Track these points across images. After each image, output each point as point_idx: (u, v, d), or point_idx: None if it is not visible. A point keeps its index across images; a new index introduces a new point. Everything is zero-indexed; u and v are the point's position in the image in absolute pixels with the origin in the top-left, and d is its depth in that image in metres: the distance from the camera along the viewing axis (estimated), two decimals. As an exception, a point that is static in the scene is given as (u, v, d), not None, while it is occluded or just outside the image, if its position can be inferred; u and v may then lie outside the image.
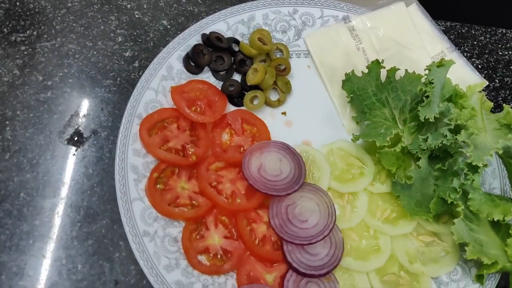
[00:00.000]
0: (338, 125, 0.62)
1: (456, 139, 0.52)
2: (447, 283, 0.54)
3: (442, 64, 0.57)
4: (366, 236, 0.55)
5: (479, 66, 0.70)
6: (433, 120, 0.53)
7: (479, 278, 0.53)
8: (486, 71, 0.70)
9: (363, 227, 0.56)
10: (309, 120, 0.61)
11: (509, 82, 0.70)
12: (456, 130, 0.52)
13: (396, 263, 0.55)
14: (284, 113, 0.62)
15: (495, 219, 0.50)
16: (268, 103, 0.61)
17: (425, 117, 0.53)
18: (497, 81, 0.70)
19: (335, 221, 0.53)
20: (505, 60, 0.72)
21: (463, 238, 0.51)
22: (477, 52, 0.72)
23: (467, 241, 0.51)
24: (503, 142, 0.50)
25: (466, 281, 0.54)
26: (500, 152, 0.50)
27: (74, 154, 0.56)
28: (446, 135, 0.52)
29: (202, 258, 0.51)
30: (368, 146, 0.60)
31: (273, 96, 0.62)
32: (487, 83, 0.67)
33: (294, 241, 0.52)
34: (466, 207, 0.52)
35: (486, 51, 0.72)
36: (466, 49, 0.71)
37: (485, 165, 0.51)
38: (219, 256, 0.52)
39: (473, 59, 0.71)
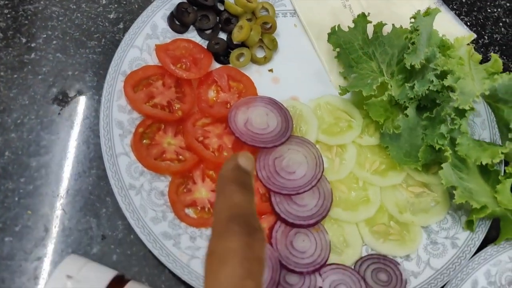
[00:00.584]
0: (325, 81, 0.62)
1: (443, 84, 0.51)
2: (437, 231, 0.54)
3: (428, 13, 0.56)
4: (355, 188, 0.55)
5: (468, 23, 0.70)
6: (419, 67, 0.52)
7: (469, 225, 0.53)
8: (475, 28, 0.70)
9: (352, 179, 0.56)
10: (296, 76, 0.61)
11: (498, 39, 0.70)
12: (443, 76, 0.52)
13: (385, 214, 0.54)
14: (271, 70, 0.61)
15: (484, 163, 0.50)
16: (254, 60, 0.61)
17: (411, 64, 0.53)
18: (486, 37, 0.70)
19: (322, 171, 0.53)
20: (494, 17, 0.71)
21: (452, 182, 0.50)
22: (466, 9, 0.71)
23: (455, 185, 0.50)
24: (489, 83, 0.50)
25: (456, 229, 0.54)
26: (487, 93, 0.49)
27: (59, 113, 0.56)
28: (432, 80, 0.52)
29: (189, 211, 0.51)
30: (356, 100, 0.59)
31: (260, 54, 0.62)
32: (475, 36, 0.66)
33: (281, 192, 0.51)
34: (454, 153, 0.52)
35: (475, 9, 0.71)
36: (454, 7, 0.71)
37: (472, 109, 0.50)
38: (206, 209, 0.52)
39: (462, 17, 0.70)
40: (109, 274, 0.43)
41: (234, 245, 0.27)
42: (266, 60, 0.61)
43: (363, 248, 0.53)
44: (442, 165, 0.50)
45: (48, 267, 0.48)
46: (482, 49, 0.68)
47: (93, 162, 0.54)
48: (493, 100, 0.53)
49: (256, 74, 0.60)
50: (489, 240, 0.53)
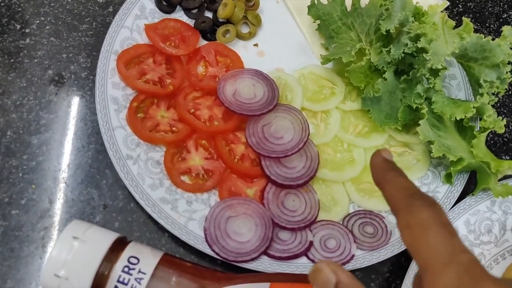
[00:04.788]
0: (308, 53, 0.65)
1: (417, 46, 0.54)
2: (419, 186, 0.57)
3: (401, -18, 0.59)
4: (340, 150, 0.58)
5: (443, -7, 0.73)
6: (394, 31, 0.56)
7: (448, 178, 0.56)
8: (449, -2, 0.73)
9: (337, 142, 0.59)
10: (280, 50, 0.64)
11: (472, 7, 0.73)
12: (417, 39, 0.55)
13: (370, 173, 0.57)
14: (256, 45, 0.64)
15: (458, 118, 0.53)
16: (239, 36, 0.64)
17: (386, 29, 0.56)
18: (460, 6, 0.73)
19: (308, 135, 0.56)
20: (467, -14, 0.74)
21: (429, 137, 0.54)
22: (440, -20, 0.74)
23: (432, 139, 0.54)
24: (459, 42, 0.53)
25: (437, 183, 0.57)
26: (457, 51, 0.53)
27: (56, 94, 0.58)
28: (407, 43, 0.55)
29: (185, 178, 0.54)
30: (338, 68, 0.62)
31: (244, 30, 0.65)
32: (448, 3, 0.70)
33: (271, 156, 0.54)
34: (431, 111, 0.55)
35: (449, -21, 0.74)
36: (429, -22, 0.74)
37: (445, 68, 0.53)
38: (201, 175, 0.55)
39: (437, -13, 0.73)
40: (112, 235, 0.46)
41: (426, 215, 0.30)
42: (251, 35, 0.64)
43: (350, 206, 0.56)
44: (420, 122, 0.54)
45: (54, 236, 0.51)
46: (457, 17, 0.72)
47: (91, 138, 0.57)
48: (464, 59, 0.56)
49: (242, 49, 0.63)
50: (467, 193, 0.57)
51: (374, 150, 0.58)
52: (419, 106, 0.55)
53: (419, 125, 0.54)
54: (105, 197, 0.54)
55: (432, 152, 0.54)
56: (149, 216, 0.53)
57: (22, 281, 0.49)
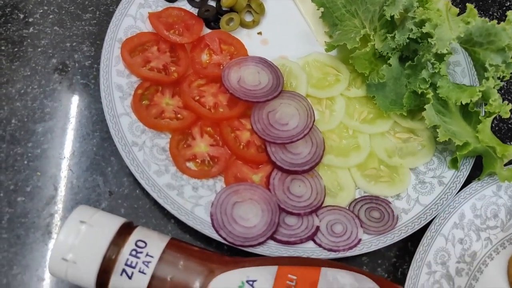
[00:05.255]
0: (312, 41, 0.65)
1: (422, 32, 0.54)
2: (424, 172, 0.57)
3: (405, -32, 0.59)
4: (345, 136, 0.58)
5: (445, -18, 0.73)
6: (398, 17, 0.56)
7: (454, 163, 0.56)
8: (452, -13, 0.73)
9: (342, 128, 0.59)
10: (284, 38, 0.64)
11: (475, -5, 0.73)
12: (421, 24, 0.55)
13: (375, 159, 0.58)
14: (259, 33, 0.64)
15: (463, 103, 0.53)
16: (243, 24, 0.64)
17: (391, 15, 0.56)
18: (463, -5, 0.73)
19: (314, 121, 0.56)
20: (469, -25, 0.74)
21: (435, 122, 0.54)
22: (443, -31, 0.74)
23: (438, 124, 0.54)
24: (464, 26, 0.53)
25: (442, 169, 0.57)
26: (462, 35, 0.52)
27: (60, 82, 0.58)
28: (411, 29, 0.55)
29: (190, 164, 0.54)
30: (342, 56, 0.62)
31: (248, 18, 0.65)
32: (451, -9, 0.70)
33: (276, 142, 0.54)
34: (436, 97, 0.55)
35: (451, -32, 0.74)
36: (431, -33, 0.74)
37: (450, 53, 0.53)
38: (206, 162, 0.54)
39: (439, -24, 0.73)
40: (119, 220, 0.45)
41: None
42: (254, 23, 0.64)
43: (356, 191, 0.56)
44: (425, 106, 0.54)
45: (59, 223, 0.51)
46: (460, 6, 0.72)
47: (96, 126, 0.57)
48: (469, 44, 0.56)
49: (246, 37, 0.63)
50: (473, 179, 0.57)
51: (379, 137, 0.59)
52: (424, 91, 0.55)
53: (424, 110, 0.54)
54: (110, 184, 0.54)
55: (438, 138, 0.53)
56: (155, 203, 0.53)
57: (28, 267, 0.48)
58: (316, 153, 0.55)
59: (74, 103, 0.57)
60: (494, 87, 0.53)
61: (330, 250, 0.50)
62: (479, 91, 0.52)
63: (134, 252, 0.43)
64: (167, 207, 0.50)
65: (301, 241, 0.50)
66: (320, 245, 0.50)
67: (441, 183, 0.56)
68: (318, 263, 0.47)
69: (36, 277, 0.48)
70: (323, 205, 0.53)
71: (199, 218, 0.50)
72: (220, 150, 0.55)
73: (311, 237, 0.51)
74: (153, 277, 0.43)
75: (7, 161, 0.53)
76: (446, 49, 0.53)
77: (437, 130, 0.53)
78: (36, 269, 0.48)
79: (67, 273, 0.43)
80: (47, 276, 0.48)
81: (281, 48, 0.63)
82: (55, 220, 0.51)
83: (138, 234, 0.45)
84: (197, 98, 0.57)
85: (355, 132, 0.59)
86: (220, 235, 0.49)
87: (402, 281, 0.50)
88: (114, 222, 0.45)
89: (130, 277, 0.42)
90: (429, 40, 0.54)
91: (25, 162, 0.53)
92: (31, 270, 0.48)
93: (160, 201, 0.50)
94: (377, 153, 0.58)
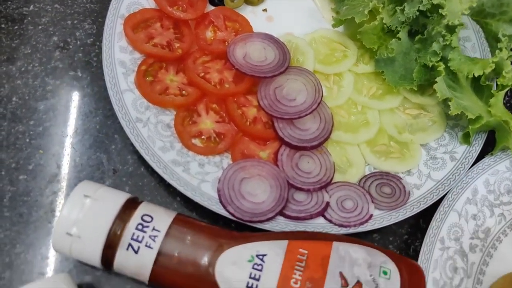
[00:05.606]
0: (318, 18, 0.63)
1: (432, 3, 0.53)
2: (435, 148, 0.56)
3: None
4: (354, 112, 0.57)
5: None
6: (408, -13, 0.54)
7: (466, 138, 0.55)
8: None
9: (350, 104, 0.57)
10: (289, 15, 0.63)
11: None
12: (432, -4, 0.54)
13: (385, 135, 0.56)
14: (265, 10, 0.63)
15: (476, 75, 0.52)
16: (248, 1, 0.62)
17: (400, -13, 0.55)
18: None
19: (322, 96, 0.54)
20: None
21: (446, 94, 0.52)
22: None
23: (450, 97, 0.52)
24: (477, -6, 0.51)
25: (454, 144, 0.56)
26: (474, 5, 0.51)
27: (61, 60, 0.57)
28: (421, 0, 0.53)
29: (196, 141, 0.53)
30: (349, 32, 0.61)
31: (253, -5, 0.63)
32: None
33: (284, 117, 0.53)
34: (447, 70, 0.54)
35: None
36: None
37: (461, 24, 0.52)
38: (212, 138, 0.53)
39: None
40: (124, 195, 0.44)
41: None
42: (259, 1, 0.63)
43: (366, 168, 0.54)
44: (437, 79, 0.52)
45: (63, 201, 0.50)
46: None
47: (99, 103, 0.55)
48: (481, 16, 0.55)
49: (251, 14, 0.62)
50: (485, 154, 0.55)
51: (388, 113, 0.58)
52: (435, 64, 0.53)
53: (435, 83, 0.53)
54: (114, 162, 0.52)
55: (450, 111, 0.52)
56: (160, 180, 0.52)
57: (31, 246, 0.47)
58: (325, 129, 0.54)
59: (76, 81, 0.56)
60: (507, 59, 0.52)
61: (341, 225, 0.49)
62: (492, 62, 0.51)
63: (140, 227, 0.42)
64: (173, 183, 0.49)
65: (311, 217, 0.49)
66: (330, 221, 0.49)
67: (453, 159, 0.54)
68: (329, 237, 0.45)
69: (40, 255, 0.47)
70: (333, 182, 0.52)
71: (206, 194, 0.49)
72: (226, 127, 0.54)
73: (321, 213, 0.49)
74: (160, 252, 0.42)
75: (8, 139, 0.52)
76: (458, 20, 0.51)
77: (449, 103, 0.52)
78: (39, 248, 0.47)
79: (72, 248, 0.41)
80: (51, 254, 0.47)
81: (287, 25, 0.62)
82: (58, 198, 0.50)
83: (144, 208, 0.44)
84: (202, 74, 0.56)
85: (364, 108, 0.57)
86: (228, 211, 0.48)
87: (414, 258, 0.49)
88: (119, 197, 0.44)
89: (136, 252, 0.41)
90: (440, 11, 0.52)
91: (27, 140, 0.52)
92: (35, 249, 0.47)
93: (166, 177, 0.49)
94: (386, 129, 0.56)
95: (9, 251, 0.47)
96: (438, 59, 0.53)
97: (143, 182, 0.52)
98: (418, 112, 0.58)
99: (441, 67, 0.52)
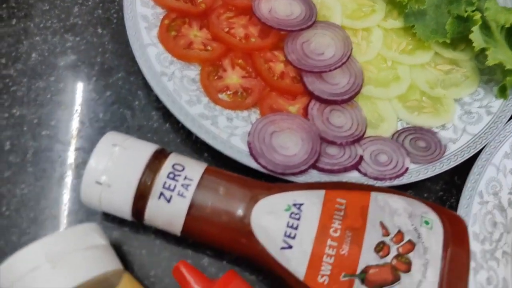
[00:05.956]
0: (343, -26, 0.61)
1: (467, -50, 0.51)
2: (470, 103, 0.54)
3: None
4: (384, 68, 0.55)
5: None
6: None
7: (502, 92, 0.53)
8: None
9: (380, 60, 0.55)
10: (314, -29, 0.61)
11: None
12: None
13: (417, 91, 0.54)
14: (288, -33, 0.61)
15: (514, 24, 0.50)
16: (271, -44, 0.60)
17: None
18: None
19: (351, 49, 0.52)
20: None
21: (483, 44, 0.50)
22: None
23: (486, 46, 0.50)
24: None
25: (489, 99, 0.54)
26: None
27: (80, 16, 0.55)
28: None
29: (223, 96, 0.51)
30: (377, -13, 0.59)
31: (276, -50, 0.61)
32: None
33: (313, 70, 0.51)
34: (482, 20, 0.52)
35: None
36: None
37: (499, -29, 0.50)
38: (239, 93, 0.51)
39: None
40: (152, 145, 0.43)
41: None
42: (282, -44, 0.61)
43: (398, 124, 0.53)
44: (473, 29, 0.50)
45: (87, 156, 0.48)
46: None
47: (121, 60, 0.54)
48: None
49: (274, -30, 0.60)
50: (521, 110, 0.53)
51: (419, 69, 0.56)
52: (470, 14, 0.51)
53: (468, 36, 0.51)
54: (138, 118, 0.51)
55: (486, 62, 0.50)
56: (186, 136, 0.50)
57: (56, 201, 0.46)
58: (355, 83, 0.52)
59: (96, 37, 0.54)
60: (546, 7, 0.50)
61: (376, 179, 0.47)
62: (531, 9, 0.49)
63: (171, 175, 0.40)
64: (202, 136, 0.47)
65: (345, 170, 0.47)
66: (365, 174, 0.47)
67: (489, 113, 0.52)
68: (367, 188, 0.43)
69: (65, 210, 0.45)
70: (365, 136, 0.50)
71: (235, 147, 0.47)
72: (253, 82, 0.52)
73: (355, 166, 0.48)
74: (192, 202, 0.40)
75: (29, 95, 0.50)
76: (495, -34, 0.49)
77: (486, 52, 0.50)
78: (64, 203, 0.46)
79: (101, 198, 0.40)
80: (76, 209, 0.45)
81: (312, -19, 0.60)
82: (82, 154, 0.48)
83: (174, 158, 0.42)
84: (227, 29, 0.54)
85: (394, 64, 0.55)
86: (259, 164, 0.46)
87: (452, 213, 0.47)
88: (148, 147, 0.42)
89: (168, 201, 0.40)
90: (476, -43, 0.50)
91: (48, 96, 0.50)
92: (59, 204, 0.45)
93: (194, 130, 0.47)
94: (418, 84, 0.54)
95: (34, 206, 0.45)
96: (474, 8, 0.51)
97: (169, 138, 0.50)
98: (450, 68, 0.56)
99: (478, 15, 0.50)
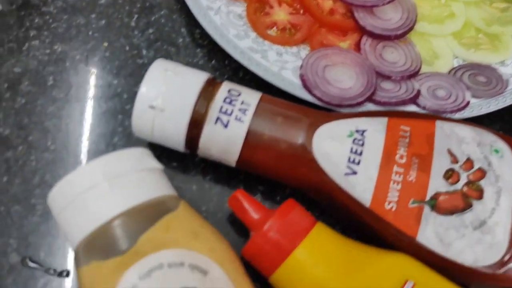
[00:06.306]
0: None
1: None
2: (529, 39, 0.51)
3: None
4: (437, 5, 0.52)
5: None
6: None
7: None
8: None
9: (432, -3, 0.53)
10: None
11: None
12: None
13: (472, 28, 0.52)
14: None
15: None
16: None
17: None
18: None
19: (405, -17, 0.50)
20: None
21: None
22: None
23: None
24: None
25: (550, 35, 0.51)
26: None
27: (120, -45, 0.53)
28: None
29: (271, 31, 0.49)
30: None
31: None
32: None
33: (365, 5, 0.49)
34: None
35: None
36: None
37: None
38: (287, 29, 0.49)
39: None
40: (204, 73, 0.41)
41: None
42: None
43: (454, 61, 0.50)
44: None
45: (132, 90, 0.46)
46: None
47: (162, -2, 0.52)
48: None
49: None
50: None
51: (473, 7, 0.53)
52: None
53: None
54: (183, 55, 0.49)
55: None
56: (233, 73, 0.48)
57: (103, 136, 0.44)
58: (409, 19, 0.49)
59: (137, -25, 0.52)
60: None
61: (435, 112, 0.45)
62: None
63: (228, 100, 0.38)
64: (252, 68, 0.45)
65: (404, 103, 0.45)
66: (424, 108, 0.45)
67: (552, 49, 0.50)
68: (431, 117, 0.41)
69: (114, 145, 0.43)
70: (421, 73, 0.48)
71: (288, 80, 0.45)
72: (302, 18, 0.50)
73: (413, 100, 0.45)
74: (249, 130, 0.38)
75: (70, 32, 0.48)
76: None
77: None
78: (111, 137, 0.44)
79: (154, 125, 0.38)
80: (124, 142, 0.43)
81: None
82: (126, 88, 0.46)
83: (228, 85, 0.40)
84: (272, -35, 0.51)
85: (447, 1, 0.53)
86: (314, 95, 0.44)
87: (514, 151, 0.44)
88: (201, 73, 0.40)
89: (226, 126, 0.38)
90: None
91: (90, 33, 0.49)
92: (106, 138, 0.44)
93: (244, 63, 0.45)
94: (474, 22, 0.52)
95: (79, 140, 0.43)
96: None
97: (215, 75, 0.48)
98: (506, 6, 0.53)
99: None
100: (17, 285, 0.38)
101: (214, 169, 0.43)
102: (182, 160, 0.43)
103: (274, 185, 0.43)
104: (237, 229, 0.41)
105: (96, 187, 0.32)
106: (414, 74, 0.47)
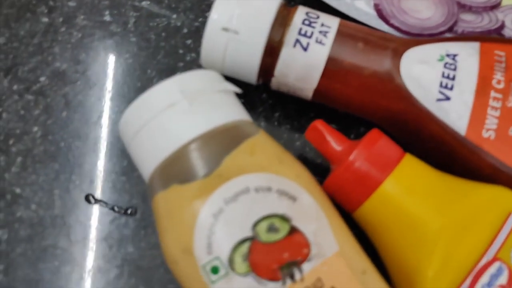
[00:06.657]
0: None
1: None
2: None
3: None
4: None
5: None
6: None
7: None
8: None
9: None
10: None
11: None
12: None
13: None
14: None
15: None
16: None
17: None
18: None
19: None
20: None
21: None
22: None
23: None
24: None
25: None
26: None
27: None
28: None
29: (338, -37, 0.45)
30: None
31: None
32: None
33: None
34: None
35: None
36: None
37: None
38: (355, -39, 0.46)
39: None
40: (276, -2, 0.37)
41: None
42: None
43: (535, -6, 0.46)
44: None
45: (195, 19, 0.43)
46: None
47: None
48: None
49: None
50: None
51: None
52: None
53: None
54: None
55: None
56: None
57: (165, 72, 0.41)
58: None
59: None
60: None
61: (524, 43, 0.41)
62: None
63: (307, 22, 0.35)
64: (324, -2, 0.41)
65: (489, 32, 0.41)
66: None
67: None
68: (525, 43, 0.38)
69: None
70: (503, 5, 0.44)
71: (361, 10, 0.41)
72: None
73: (498, 31, 0.42)
74: (330, 54, 0.35)
75: None
76: None
77: None
78: (173, 68, 0.41)
79: (227, 50, 0.35)
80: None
81: None
82: (188, 19, 0.43)
83: (304, 8, 0.37)
84: None
85: None
86: (391, 25, 0.40)
87: None
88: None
89: (305, 49, 0.35)
90: None
91: (145, -33, 0.46)
92: (168, 74, 0.41)
93: (314, -8, 0.42)
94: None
95: (140, 75, 0.41)
96: None
97: (279, 10, 0.45)
98: None
99: None
100: (80, 223, 0.36)
101: (282, 106, 0.40)
102: (250, 97, 0.40)
103: (347, 123, 0.40)
104: (309, 169, 0.38)
105: (176, 106, 0.30)
106: (496, 5, 0.43)
